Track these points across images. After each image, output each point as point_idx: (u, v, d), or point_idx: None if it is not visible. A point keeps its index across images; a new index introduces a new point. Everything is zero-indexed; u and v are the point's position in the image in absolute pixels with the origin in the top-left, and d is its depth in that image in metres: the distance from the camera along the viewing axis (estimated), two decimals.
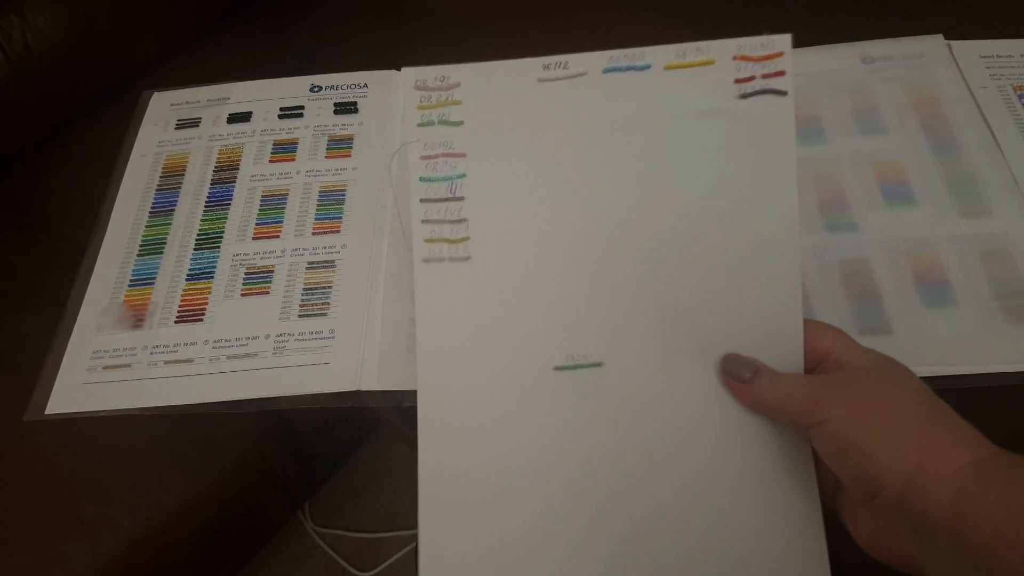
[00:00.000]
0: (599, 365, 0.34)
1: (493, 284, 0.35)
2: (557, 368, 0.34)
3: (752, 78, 0.34)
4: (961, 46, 0.46)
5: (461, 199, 0.35)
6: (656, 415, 0.33)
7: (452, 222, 0.35)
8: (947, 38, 0.46)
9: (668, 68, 0.35)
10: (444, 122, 0.36)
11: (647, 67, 0.35)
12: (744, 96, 0.34)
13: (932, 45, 0.46)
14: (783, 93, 0.34)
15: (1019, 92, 0.44)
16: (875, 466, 0.27)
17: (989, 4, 0.54)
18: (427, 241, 0.35)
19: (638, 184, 0.35)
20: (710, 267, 0.34)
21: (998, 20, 0.51)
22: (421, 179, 0.36)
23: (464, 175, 0.35)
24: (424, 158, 0.36)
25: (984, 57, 0.46)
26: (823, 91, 0.45)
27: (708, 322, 0.34)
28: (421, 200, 0.36)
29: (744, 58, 0.34)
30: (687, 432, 0.33)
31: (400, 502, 0.99)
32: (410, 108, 0.36)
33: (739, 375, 0.32)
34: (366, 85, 0.49)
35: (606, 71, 0.35)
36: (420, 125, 0.36)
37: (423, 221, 0.35)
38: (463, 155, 0.36)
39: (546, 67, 0.35)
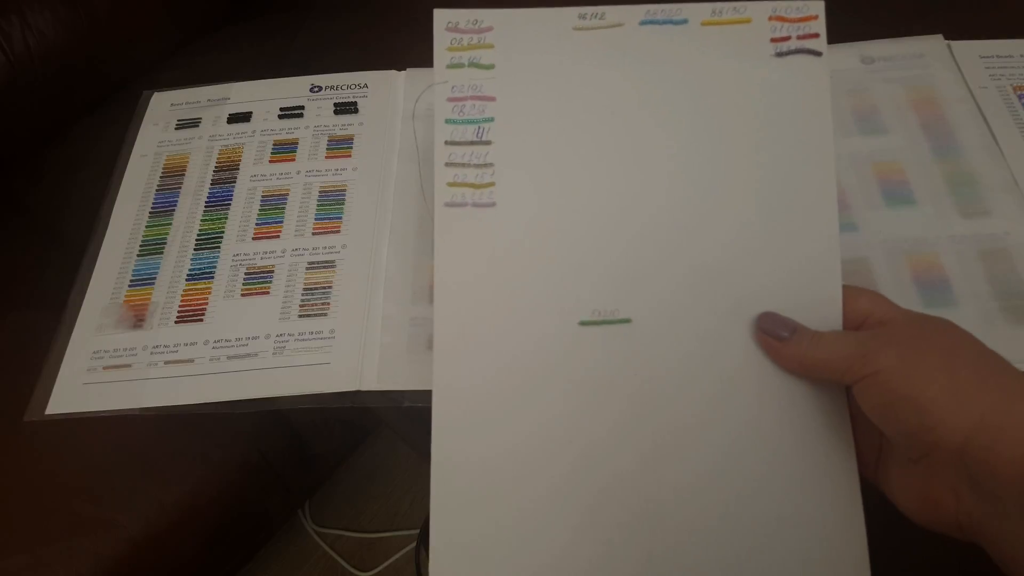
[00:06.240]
0: (627, 321, 0.33)
1: (517, 232, 0.34)
2: (583, 323, 0.33)
3: (788, 38, 0.34)
4: (961, 46, 0.46)
5: (488, 143, 0.35)
6: (689, 377, 0.32)
7: (477, 166, 0.34)
8: (947, 38, 0.46)
9: (705, 24, 0.35)
10: (475, 64, 0.35)
11: (684, 22, 0.35)
12: (780, 55, 0.34)
13: (932, 45, 0.46)
14: (818, 54, 0.34)
15: (1019, 92, 0.44)
16: (931, 418, 0.25)
17: (989, 4, 0.54)
18: (450, 185, 0.34)
19: (671, 138, 0.34)
20: (745, 225, 0.33)
21: (998, 20, 0.51)
22: (447, 121, 0.35)
23: (492, 119, 0.35)
24: (452, 100, 0.35)
25: (984, 57, 0.45)
26: None
27: (743, 282, 0.33)
28: (446, 142, 0.35)
29: (780, 19, 0.34)
30: (722, 394, 0.32)
31: (400, 502, 0.99)
32: (440, 49, 0.35)
33: (776, 333, 0.31)
34: (366, 85, 0.49)
35: (643, 23, 0.35)
36: (449, 67, 0.35)
37: (447, 164, 0.35)
38: (492, 99, 0.35)
39: (582, 16, 0.35)
